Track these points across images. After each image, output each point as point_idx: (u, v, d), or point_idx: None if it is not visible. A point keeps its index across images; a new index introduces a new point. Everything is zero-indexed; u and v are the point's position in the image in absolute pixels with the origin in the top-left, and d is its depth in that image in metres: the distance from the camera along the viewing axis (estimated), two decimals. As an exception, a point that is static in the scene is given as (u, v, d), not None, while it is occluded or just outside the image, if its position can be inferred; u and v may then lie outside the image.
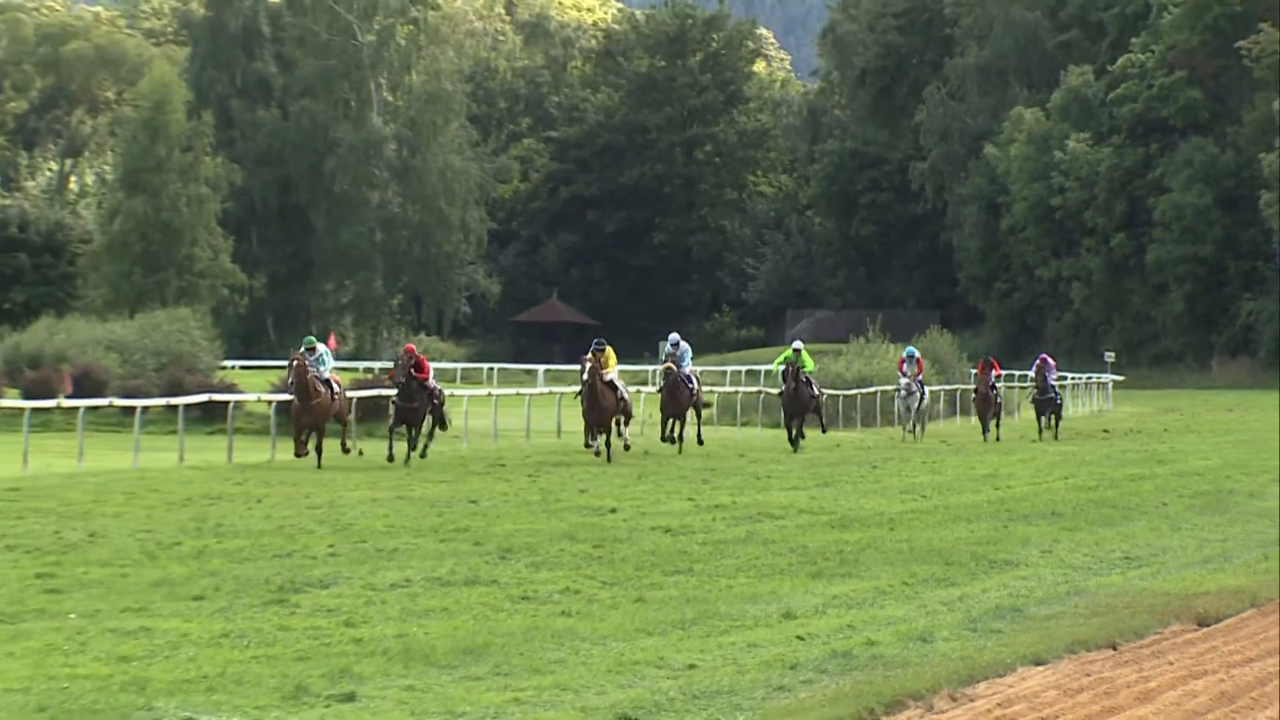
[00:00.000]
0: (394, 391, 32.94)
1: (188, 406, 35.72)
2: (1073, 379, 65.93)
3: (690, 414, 36.28)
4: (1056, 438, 42.82)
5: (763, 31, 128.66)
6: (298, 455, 31.73)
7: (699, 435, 36.63)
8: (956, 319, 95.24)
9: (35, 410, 33.53)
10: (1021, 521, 21.45)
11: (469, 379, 79.77)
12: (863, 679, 11.88)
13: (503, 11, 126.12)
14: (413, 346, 35.08)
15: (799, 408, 37.93)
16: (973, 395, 46.32)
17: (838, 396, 50.24)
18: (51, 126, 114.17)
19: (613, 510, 22.08)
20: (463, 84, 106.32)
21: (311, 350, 32.65)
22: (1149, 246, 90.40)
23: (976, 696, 11.49)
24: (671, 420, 35.67)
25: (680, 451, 35.39)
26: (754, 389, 52.57)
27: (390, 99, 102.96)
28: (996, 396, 44.40)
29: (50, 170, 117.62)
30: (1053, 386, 44.05)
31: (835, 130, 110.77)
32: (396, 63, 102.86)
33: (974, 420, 45.04)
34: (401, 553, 17.73)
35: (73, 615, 13.84)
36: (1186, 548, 19.51)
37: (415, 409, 31.90)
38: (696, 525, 20.53)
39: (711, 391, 51.85)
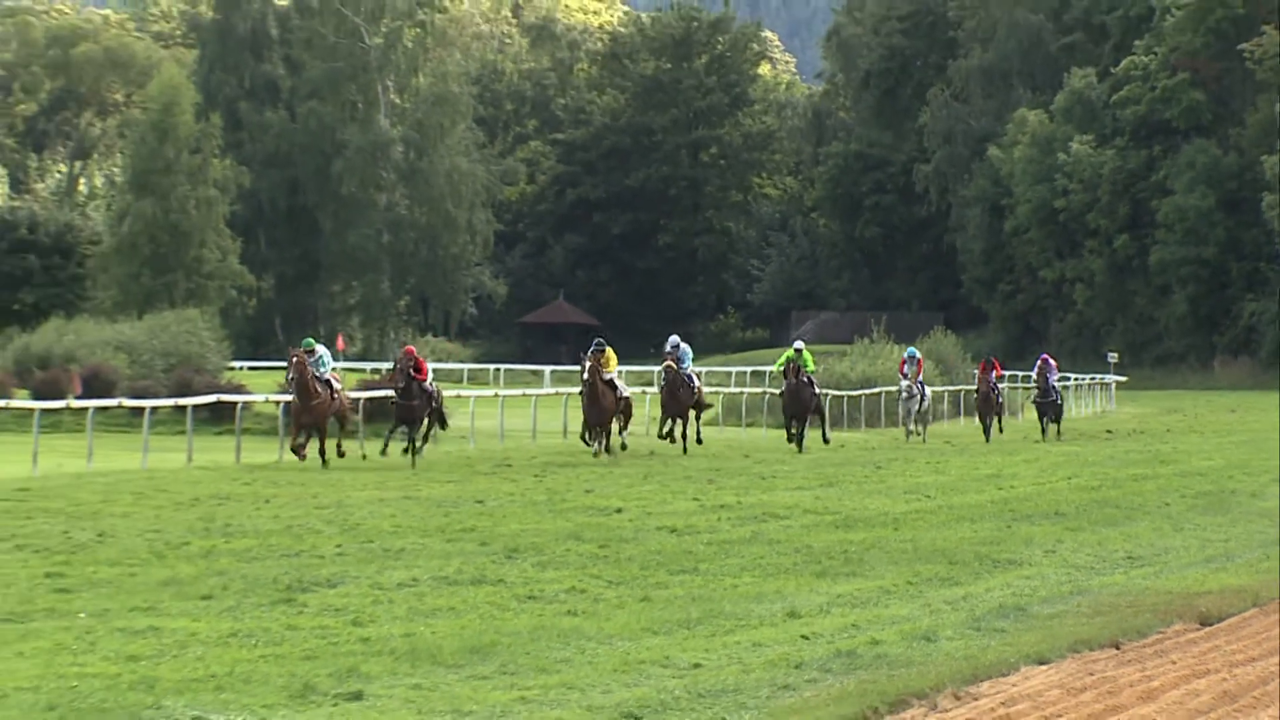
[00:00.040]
0: (393, 393, 33.16)
1: (196, 407, 35.75)
2: (1076, 380, 66.12)
3: (690, 413, 36.40)
4: (1059, 435, 42.94)
5: (768, 34, 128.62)
6: (294, 451, 31.68)
7: (698, 434, 36.70)
8: (960, 320, 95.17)
9: (45, 411, 33.56)
10: (1025, 521, 21.51)
11: (475, 380, 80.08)
12: (867, 678, 11.94)
13: (509, 14, 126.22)
14: (412, 348, 35.23)
15: (800, 406, 37.90)
16: (974, 395, 46.55)
17: (842, 397, 50.33)
18: (61, 129, 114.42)
19: (618, 510, 22.10)
20: (469, 86, 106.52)
21: (311, 353, 32.76)
22: (1152, 248, 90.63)
23: (980, 695, 11.52)
24: (671, 419, 35.82)
25: (685, 451, 35.55)
26: (759, 390, 52.75)
27: (397, 101, 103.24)
28: (998, 397, 44.50)
29: (59, 172, 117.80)
30: (1054, 388, 43.98)
31: (840, 132, 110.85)
32: (404, 65, 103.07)
33: (977, 421, 45.11)
34: (408, 552, 17.76)
35: (82, 614, 13.87)
36: (1189, 547, 19.59)
37: (415, 407, 32.00)
38: (702, 525, 20.56)
39: (716, 392, 52.02)
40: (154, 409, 35.59)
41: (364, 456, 33.16)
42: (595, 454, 32.65)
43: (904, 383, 44.41)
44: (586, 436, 33.44)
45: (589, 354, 33.44)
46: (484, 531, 19.55)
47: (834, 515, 21.96)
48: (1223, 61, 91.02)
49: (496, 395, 45.31)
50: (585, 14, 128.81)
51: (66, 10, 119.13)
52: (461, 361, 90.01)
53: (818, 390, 39.09)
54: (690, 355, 37.19)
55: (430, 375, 33.98)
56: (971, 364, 61.78)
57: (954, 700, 11.37)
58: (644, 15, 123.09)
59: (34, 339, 56.20)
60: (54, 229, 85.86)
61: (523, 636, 13.10)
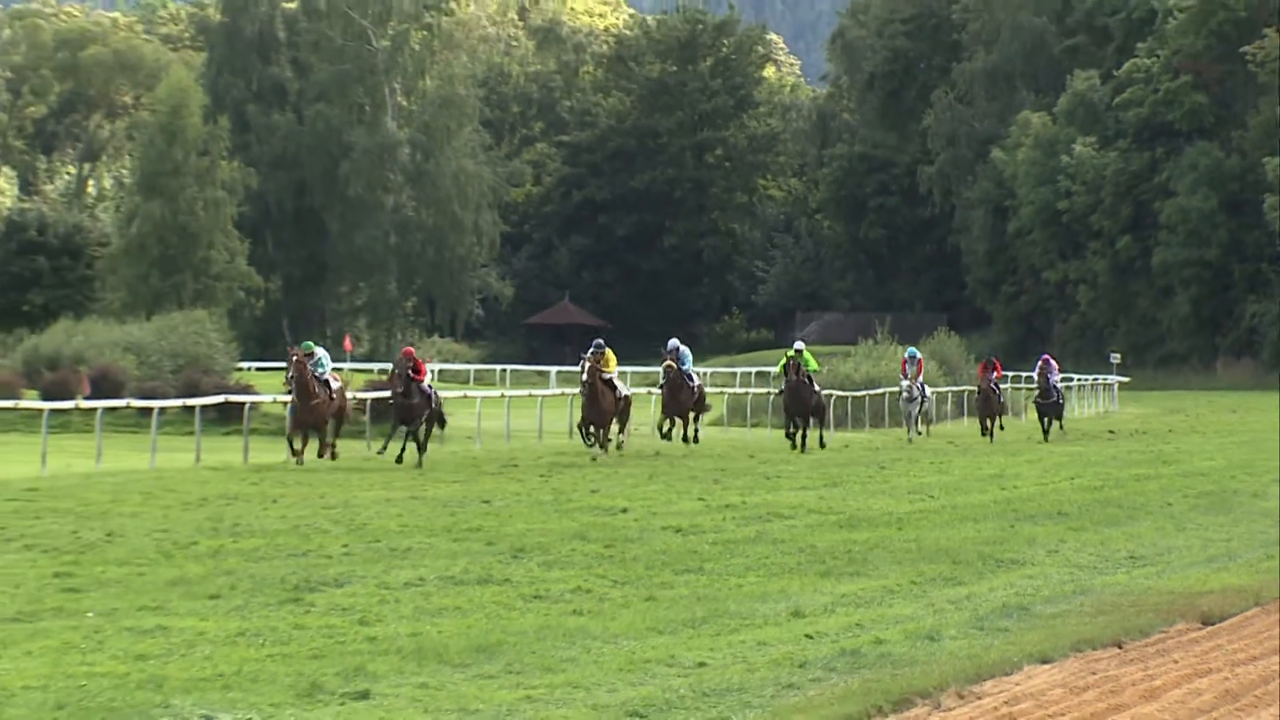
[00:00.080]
0: (392, 393, 33.36)
1: (204, 407, 35.56)
2: (1079, 380, 66.28)
3: (691, 413, 36.60)
4: (1062, 431, 42.84)
5: (772, 37, 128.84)
6: (292, 453, 31.57)
7: (696, 434, 36.80)
8: (964, 321, 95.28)
9: (54, 411, 33.41)
10: (1028, 521, 21.51)
11: (482, 380, 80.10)
12: (871, 677, 11.94)
13: (515, 17, 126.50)
14: (411, 349, 35.31)
15: (800, 405, 37.98)
16: (974, 394, 46.61)
17: (846, 398, 50.44)
18: (70, 131, 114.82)
19: (624, 510, 22.05)
20: (476, 89, 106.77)
21: (310, 355, 32.87)
22: (1154, 249, 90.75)
23: (984, 694, 11.51)
24: (671, 418, 36.01)
25: (695, 441, 35.81)
26: (764, 390, 52.89)
27: (404, 104, 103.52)
28: (999, 397, 44.56)
29: (69, 174, 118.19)
30: (1055, 388, 43.89)
31: (844, 134, 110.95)
32: (410, 68, 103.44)
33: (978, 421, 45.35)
34: (415, 552, 17.73)
35: (90, 614, 13.83)
36: (1191, 547, 19.59)
37: (414, 406, 32.00)
38: (707, 525, 20.53)
39: (721, 393, 52.19)
40: (162, 409, 35.52)
41: (380, 452, 32.81)
42: (594, 458, 32.81)
43: (904, 382, 44.49)
44: (584, 435, 33.78)
45: (588, 355, 33.61)
46: (490, 531, 19.54)
47: (838, 515, 21.96)
48: (1225, 64, 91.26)
49: (502, 396, 45.33)
50: (591, 17, 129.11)
51: (75, 13, 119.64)
52: (468, 362, 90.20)
53: (818, 389, 39.18)
54: (690, 357, 37.33)
55: (429, 376, 34.17)
56: (975, 365, 62.05)
57: (957, 699, 11.38)
58: (649, 18, 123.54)
59: (43, 340, 56.48)
60: (63, 230, 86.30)
61: (529, 636, 13.11)
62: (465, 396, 44.98)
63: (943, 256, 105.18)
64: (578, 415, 34.55)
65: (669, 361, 36.34)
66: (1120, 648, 13.24)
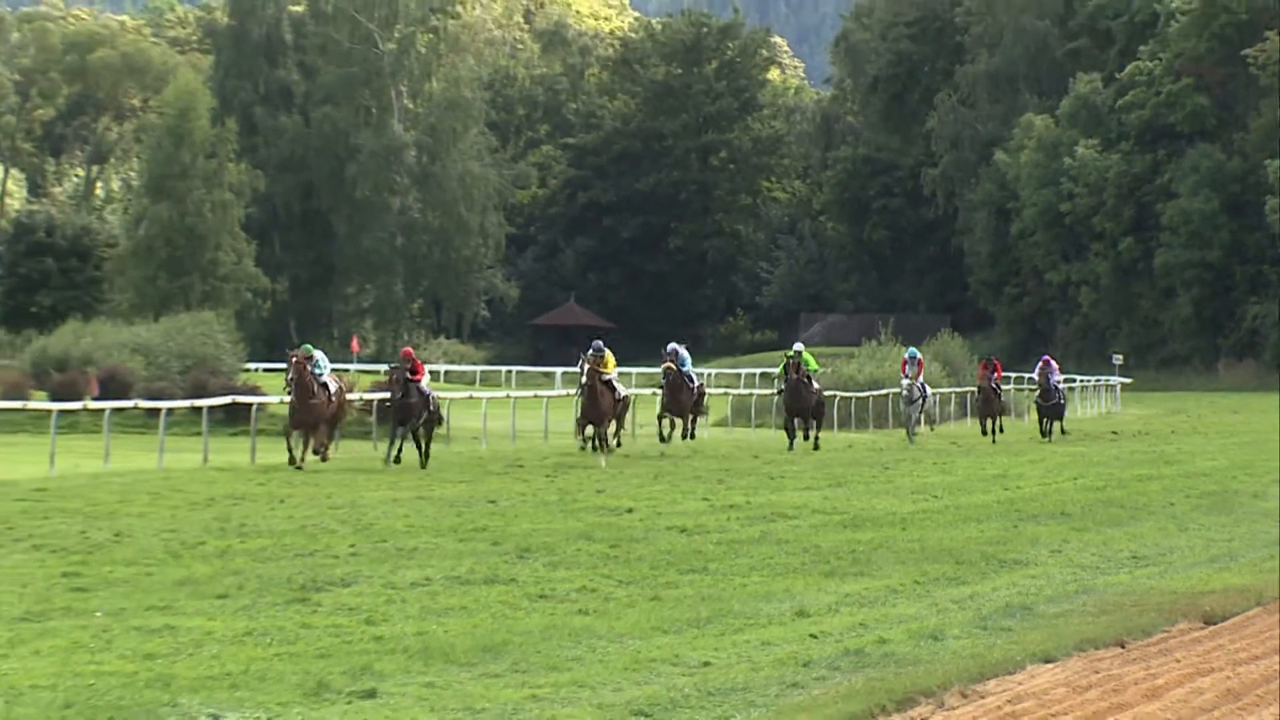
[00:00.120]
0: (391, 394, 33.60)
1: (211, 408, 35.83)
2: (1081, 381, 66.51)
3: (690, 414, 36.88)
4: (1064, 433, 42.98)
5: (777, 40, 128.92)
6: (290, 462, 31.33)
7: (692, 432, 36.97)
8: (967, 323, 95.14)
9: (62, 412, 33.56)
10: (1031, 521, 21.55)
11: (488, 381, 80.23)
12: (875, 676, 11.99)
13: (521, 20, 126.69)
14: (410, 350, 35.59)
15: (800, 404, 38.30)
16: (975, 394, 46.64)
17: (850, 399, 50.69)
18: (78, 133, 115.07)
19: (629, 510, 22.11)
20: (482, 91, 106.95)
21: (309, 358, 32.95)
22: (1156, 251, 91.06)
23: (987, 693, 11.55)
24: (671, 417, 36.24)
25: (692, 438, 36.09)
26: (768, 391, 53.17)
27: (411, 106, 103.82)
28: (999, 396, 44.63)
29: (77, 176, 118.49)
30: (1056, 389, 43.83)
31: (848, 137, 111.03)
32: (417, 70, 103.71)
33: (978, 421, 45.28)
34: (421, 552, 17.77)
35: (98, 613, 13.86)
36: (1193, 547, 19.63)
37: (412, 406, 32.12)
38: (711, 525, 20.59)
39: (725, 394, 52.49)
40: (170, 410, 35.55)
41: (388, 462, 32.48)
42: (580, 447, 32.99)
43: (904, 381, 44.60)
44: (579, 434, 34.15)
45: (587, 356, 33.88)
46: (496, 531, 19.59)
47: (842, 515, 22.02)
48: (1226, 67, 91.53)
49: (508, 397, 45.56)
50: (596, 20, 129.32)
51: (84, 16, 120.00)
52: (474, 363, 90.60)
53: (818, 387, 39.41)
54: (689, 360, 37.64)
55: (426, 376, 34.41)
56: (977, 366, 62.20)
57: (961, 698, 11.41)
58: (654, 21, 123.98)
59: (51, 341, 56.65)
60: (71, 232, 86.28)
61: (534, 635, 13.16)
62: (471, 397, 45.25)
63: (946, 258, 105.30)
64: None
65: (669, 363, 36.63)
66: (1123, 647, 13.28)
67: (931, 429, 45.65)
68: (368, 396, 39.35)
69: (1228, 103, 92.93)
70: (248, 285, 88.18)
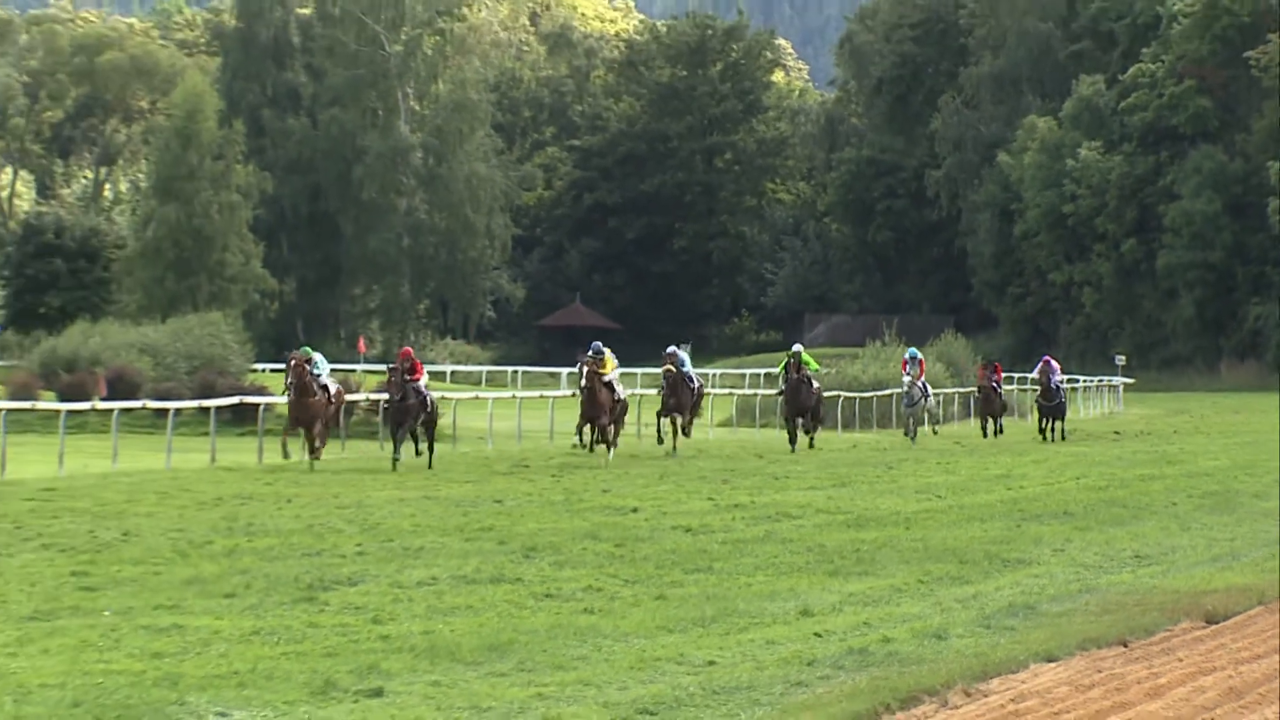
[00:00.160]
0: (389, 395, 33.81)
1: (219, 408, 35.77)
2: (1084, 381, 66.66)
3: (689, 413, 37.05)
4: (1064, 434, 43.07)
5: (781, 42, 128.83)
6: (284, 456, 31.89)
7: (687, 429, 37.08)
8: (970, 323, 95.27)
9: (71, 412, 33.57)
10: (1034, 521, 21.58)
11: (494, 382, 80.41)
12: (879, 675, 11.98)
13: (527, 22, 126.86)
14: (409, 350, 35.77)
15: (800, 403, 38.52)
16: (975, 394, 46.88)
17: (854, 399, 50.91)
18: (87, 135, 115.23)
19: (634, 510, 22.16)
20: (488, 93, 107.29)
21: (309, 360, 33.23)
22: (1159, 252, 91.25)
23: (990, 692, 11.54)
24: (670, 416, 36.46)
25: (687, 435, 36.35)
26: (772, 391, 53.49)
27: (417, 108, 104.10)
28: (1000, 396, 44.90)
29: (85, 178, 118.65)
30: (1057, 390, 43.74)
31: (852, 138, 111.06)
32: (423, 72, 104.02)
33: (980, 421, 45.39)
34: (428, 551, 17.79)
35: (107, 612, 13.89)
36: (1195, 547, 19.62)
37: (410, 406, 32.24)
38: (716, 524, 20.60)
39: (730, 394, 52.71)
40: (178, 410, 35.71)
41: (423, 454, 32.46)
42: (576, 443, 33.24)
43: (905, 380, 44.90)
44: (579, 433, 34.48)
45: (587, 357, 34.22)
46: (502, 531, 19.61)
47: (846, 515, 22.08)
48: (1229, 69, 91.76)
49: (514, 397, 45.79)
50: (602, 22, 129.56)
51: (92, 18, 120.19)
52: (480, 364, 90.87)
53: (817, 387, 39.64)
54: (689, 361, 37.98)
55: (425, 376, 34.60)
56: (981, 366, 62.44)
57: (964, 697, 11.42)
58: (659, 23, 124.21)
59: (60, 342, 56.70)
60: (80, 234, 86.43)
61: (540, 634, 13.18)
62: (477, 398, 45.43)
63: (949, 259, 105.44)
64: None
65: (669, 365, 36.91)
66: (1125, 646, 13.29)
67: (935, 430, 45.82)
68: (374, 396, 39.69)
69: (1230, 104, 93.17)
70: (255, 286, 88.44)
